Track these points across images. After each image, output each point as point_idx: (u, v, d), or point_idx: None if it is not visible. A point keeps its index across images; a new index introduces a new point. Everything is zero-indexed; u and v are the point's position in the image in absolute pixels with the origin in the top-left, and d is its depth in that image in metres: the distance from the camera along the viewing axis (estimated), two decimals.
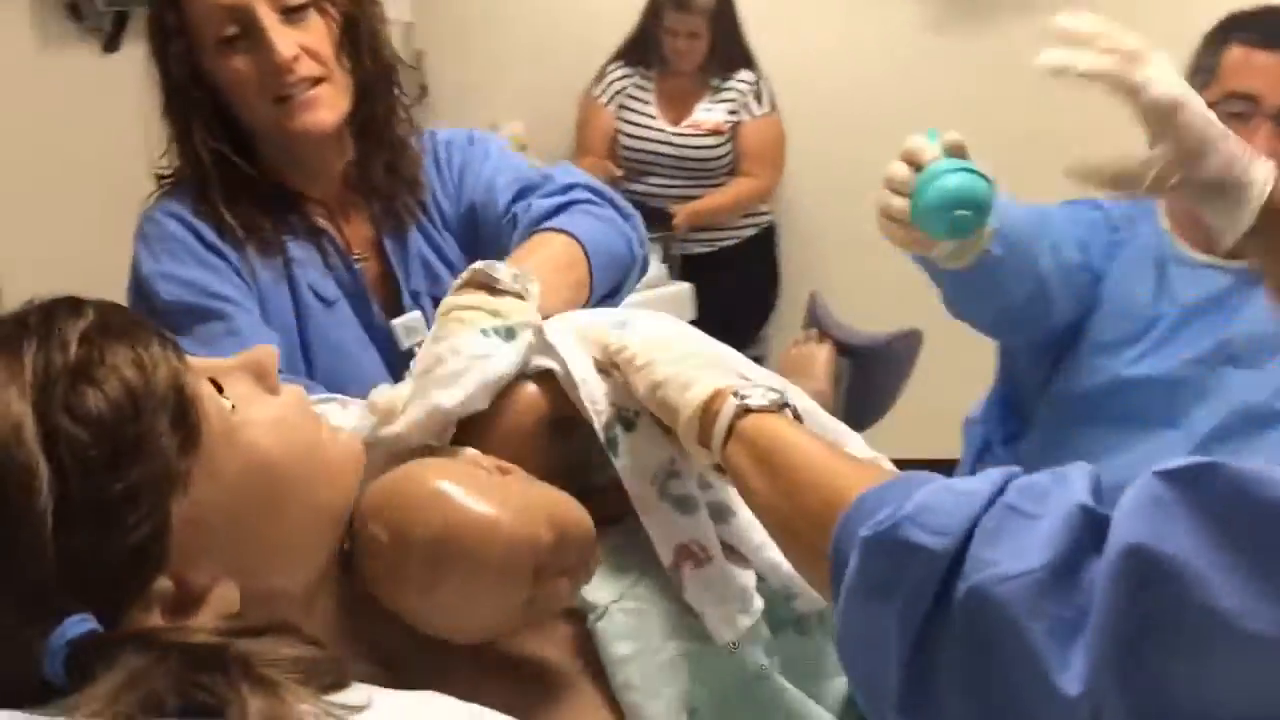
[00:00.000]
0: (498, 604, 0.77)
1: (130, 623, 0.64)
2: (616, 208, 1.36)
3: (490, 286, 1.04)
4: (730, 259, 3.46)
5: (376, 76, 1.30)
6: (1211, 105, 1.53)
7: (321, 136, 1.27)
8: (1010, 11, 3.58)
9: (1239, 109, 1.47)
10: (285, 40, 1.20)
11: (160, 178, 1.32)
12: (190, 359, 0.74)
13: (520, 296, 1.04)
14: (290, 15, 1.22)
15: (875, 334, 2.24)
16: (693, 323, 3.17)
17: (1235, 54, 1.49)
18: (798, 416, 0.83)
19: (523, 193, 1.35)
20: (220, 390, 0.73)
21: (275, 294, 1.27)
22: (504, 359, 0.92)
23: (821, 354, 2.10)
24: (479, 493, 0.77)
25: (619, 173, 3.40)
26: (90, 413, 0.63)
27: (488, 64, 3.82)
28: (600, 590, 0.85)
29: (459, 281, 1.06)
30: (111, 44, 2.82)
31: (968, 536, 0.62)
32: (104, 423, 0.63)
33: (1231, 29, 1.53)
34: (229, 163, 1.26)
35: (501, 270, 1.05)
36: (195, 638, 0.61)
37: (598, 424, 0.89)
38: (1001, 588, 0.58)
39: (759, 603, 0.89)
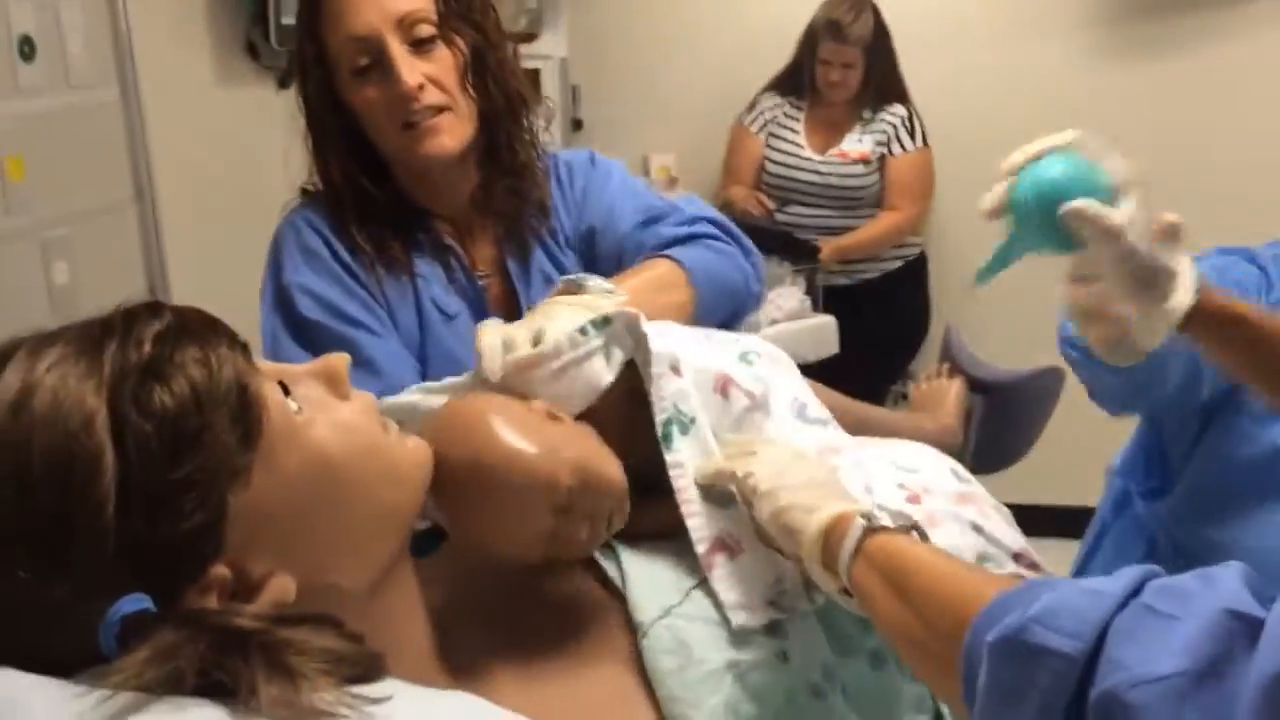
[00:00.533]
0: (517, 528, 0.86)
1: (185, 605, 0.69)
2: (739, 244, 1.40)
3: (578, 294, 1.11)
4: (874, 292, 3.42)
5: (501, 105, 1.36)
6: None
7: (445, 161, 1.33)
8: (1168, 44, 3.45)
9: None
10: (412, 70, 1.28)
11: (305, 192, 1.42)
12: (263, 363, 0.78)
13: None
14: (418, 47, 1.29)
15: (1012, 371, 2.17)
16: (836, 357, 3.15)
17: None
18: (923, 535, 0.84)
19: (649, 221, 1.40)
20: (287, 392, 0.77)
21: (401, 309, 1.34)
22: (602, 371, 0.98)
23: (953, 389, 2.05)
24: (516, 429, 0.86)
25: (771, 205, 3.40)
26: (155, 407, 0.68)
27: (639, 98, 3.91)
28: (649, 608, 0.87)
29: (555, 289, 1.14)
30: (286, 81, 3.00)
31: (1100, 638, 0.60)
32: (167, 416, 0.68)
33: None
34: (361, 185, 1.35)
35: (591, 281, 1.11)
36: (233, 622, 0.65)
37: (658, 417, 0.94)
38: (1138, 692, 0.56)
39: (799, 604, 0.90)
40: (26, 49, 1.96)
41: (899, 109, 3.35)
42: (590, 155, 1.51)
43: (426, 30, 1.29)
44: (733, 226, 1.40)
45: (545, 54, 3.51)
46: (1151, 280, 0.97)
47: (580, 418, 0.96)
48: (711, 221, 1.38)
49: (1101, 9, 3.49)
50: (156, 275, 2.33)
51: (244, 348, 0.76)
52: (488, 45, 1.35)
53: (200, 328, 0.74)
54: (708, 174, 3.75)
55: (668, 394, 0.96)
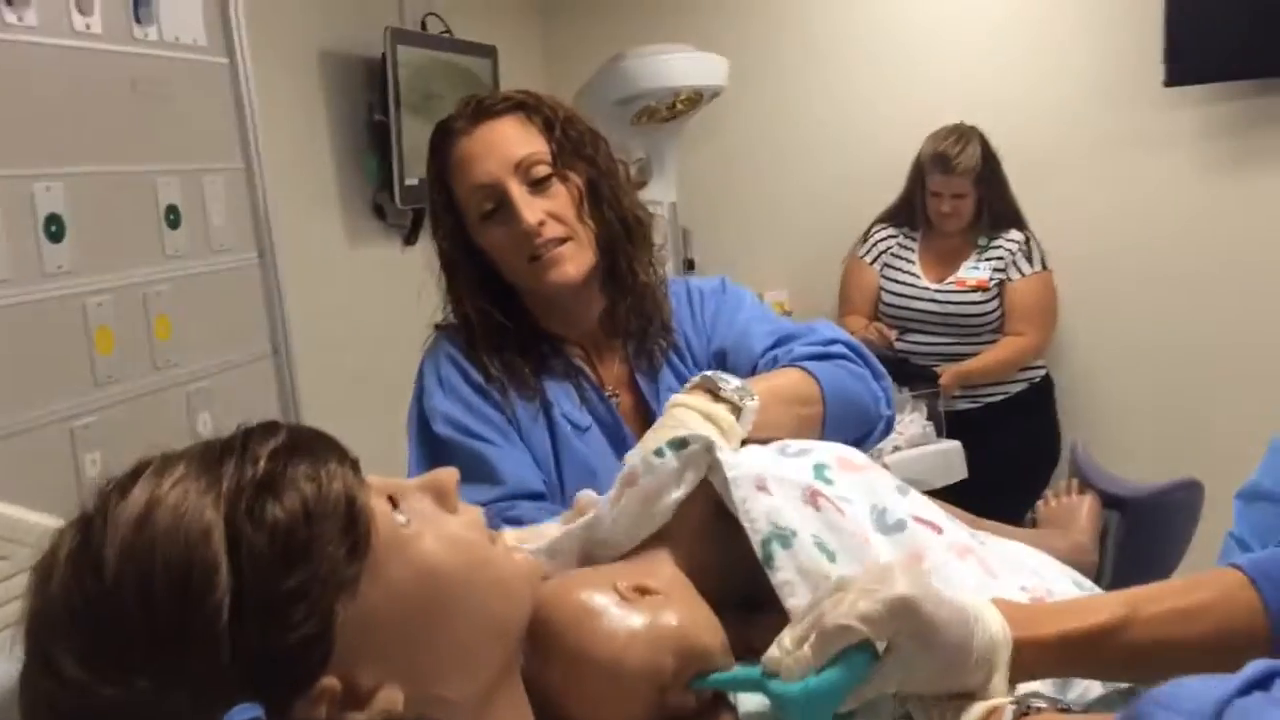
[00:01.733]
0: (623, 713, 0.87)
1: (296, 715, 0.70)
2: (871, 367, 1.43)
3: (714, 392, 1.16)
4: (1000, 415, 3.34)
5: (618, 230, 1.44)
6: None
7: (570, 287, 1.41)
8: (1277, 155, 3.37)
9: None
10: (532, 209, 1.37)
11: (438, 327, 1.50)
12: (373, 478, 0.81)
13: (737, 406, 1.15)
14: (537, 186, 1.39)
15: (1148, 484, 2.08)
16: (965, 483, 3.06)
17: None
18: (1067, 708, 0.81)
19: (783, 340, 1.45)
20: (396, 506, 0.80)
21: (534, 429, 1.40)
22: (672, 495, 0.99)
23: (1084, 506, 1.98)
24: (611, 622, 0.88)
25: (893, 335, 3.39)
26: (269, 520, 0.71)
27: (750, 236, 3.99)
28: None
29: (690, 383, 1.20)
30: (411, 238, 3.17)
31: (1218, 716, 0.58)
32: (279, 528, 0.71)
33: None
34: (493, 316, 1.43)
35: (726, 380, 1.15)
36: None
37: (754, 539, 0.92)
38: None
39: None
40: (172, 218, 2.12)
41: (1015, 234, 3.33)
42: (722, 281, 1.57)
43: (543, 170, 1.39)
44: (865, 350, 1.43)
45: (655, 200, 3.61)
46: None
47: (664, 536, 0.98)
48: (845, 344, 1.42)
49: (1210, 123, 3.46)
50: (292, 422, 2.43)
51: (354, 464, 0.79)
52: (600, 175, 1.43)
53: (312, 444, 0.77)
54: (822, 308, 3.75)
55: (759, 512, 0.94)
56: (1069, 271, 3.44)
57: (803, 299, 3.88)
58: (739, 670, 0.89)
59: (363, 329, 2.81)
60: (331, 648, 0.71)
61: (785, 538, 0.93)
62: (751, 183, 3.98)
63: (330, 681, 0.71)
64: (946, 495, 3.14)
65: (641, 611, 0.89)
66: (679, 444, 1.00)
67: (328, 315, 2.67)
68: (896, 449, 3.03)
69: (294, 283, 2.44)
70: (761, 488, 0.96)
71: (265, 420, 0.80)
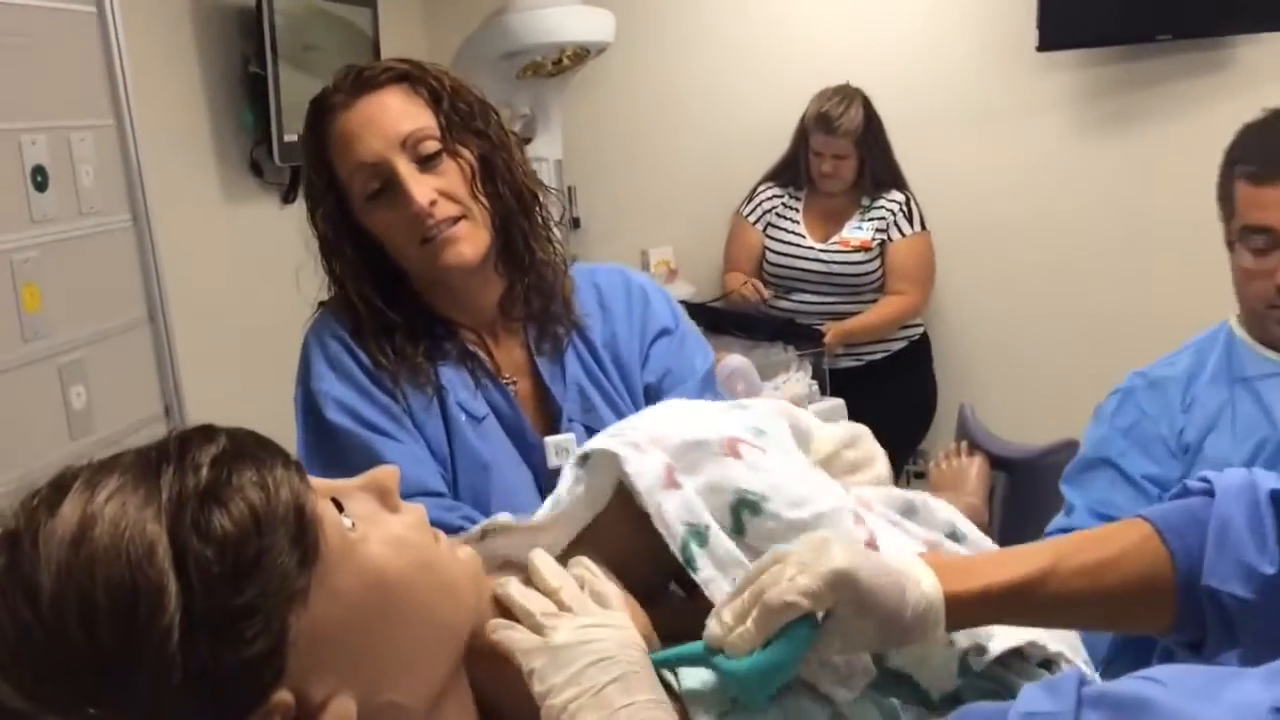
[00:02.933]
0: None
1: None
2: None
3: None
4: (881, 372, 3.43)
5: (513, 206, 1.37)
6: (1234, 236, 1.52)
7: (466, 269, 1.34)
8: (1153, 117, 3.52)
9: (1259, 244, 1.49)
10: (422, 188, 1.29)
11: (324, 303, 1.42)
12: (314, 479, 0.78)
13: None
14: (426, 163, 1.31)
15: (1029, 446, 2.17)
16: None
17: (1243, 190, 1.51)
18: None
19: None
20: (341, 509, 0.77)
21: (428, 420, 1.34)
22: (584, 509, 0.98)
23: (974, 467, 2.05)
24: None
25: (766, 292, 3.43)
26: (216, 532, 0.68)
27: (635, 194, 3.97)
28: (703, 715, 0.85)
29: None
30: (290, 195, 3.05)
31: None
32: (228, 541, 0.68)
33: (1235, 159, 1.53)
34: (380, 307, 1.36)
35: None
36: None
37: (673, 545, 0.92)
38: None
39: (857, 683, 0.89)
40: (40, 179, 2.00)
41: (897, 195, 3.40)
42: (673, 310, 1.51)
43: (432, 146, 1.31)
44: None
45: (540, 156, 3.56)
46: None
47: (589, 537, 0.97)
48: None
49: (1084, 86, 3.57)
50: (171, 394, 2.33)
51: (298, 467, 0.76)
52: (493, 149, 1.36)
53: (255, 449, 0.74)
54: (706, 265, 3.78)
55: (672, 516, 0.93)
56: (947, 232, 3.52)
57: (687, 257, 3.89)
58: (684, 647, 0.88)
59: (242, 291, 2.71)
60: (285, 662, 0.69)
61: (700, 534, 0.93)
62: (638, 139, 3.96)
63: (283, 696, 0.69)
64: None
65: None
66: (582, 460, 0.98)
67: (205, 278, 2.56)
68: None
69: (169, 245, 2.33)
70: (671, 484, 0.95)
71: (200, 424, 0.76)
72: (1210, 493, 0.89)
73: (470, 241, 1.33)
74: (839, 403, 3.17)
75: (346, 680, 0.73)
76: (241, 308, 2.68)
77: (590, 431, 1.38)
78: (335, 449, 1.30)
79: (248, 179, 2.90)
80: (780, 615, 0.81)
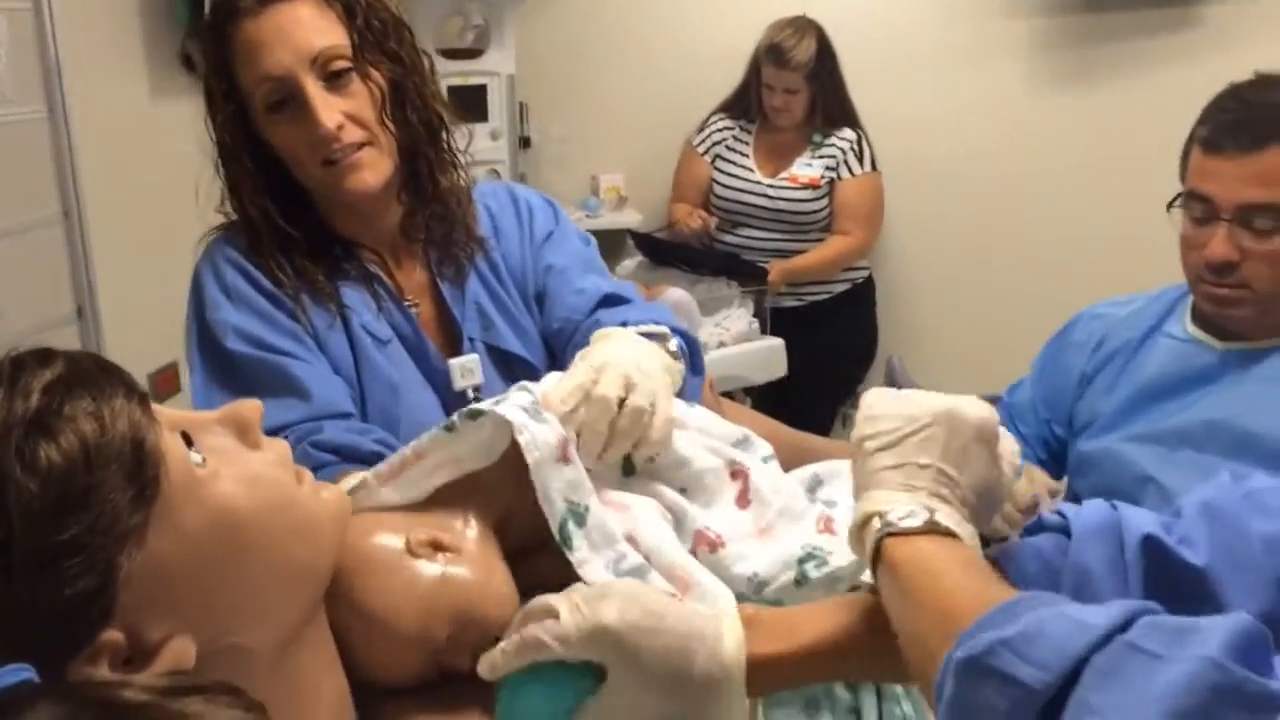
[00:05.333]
0: (396, 670, 0.88)
1: (75, 675, 0.64)
2: (695, 364, 1.35)
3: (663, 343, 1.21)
4: (823, 314, 3.40)
5: (421, 134, 1.33)
6: (1180, 202, 1.50)
7: (368, 196, 1.30)
8: (1113, 72, 3.49)
9: (1197, 212, 1.48)
10: (329, 110, 1.24)
11: (226, 224, 1.36)
12: (166, 411, 0.74)
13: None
14: (333, 82, 1.25)
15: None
16: (784, 379, 3.15)
17: (1195, 155, 1.49)
18: (948, 532, 0.77)
19: (610, 300, 1.39)
20: (191, 443, 0.73)
21: (331, 337, 1.30)
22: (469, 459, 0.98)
23: None
24: (390, 579, 0.87)
25: (711, 221, 3.38)
26: (41, 463, 0.64)
27: (588, 117, 3.88)
28: None
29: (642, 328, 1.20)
30: None
31: (1076, 672, 0.55)
32: (53, 474, 0.64)
33: (1199, 122, 1.51)
34: (278, 222, 1.31)
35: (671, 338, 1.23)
36: (116, 694, 0.60)
37: (552, 523, 0.92)
38: None
39: None
40: None
41: (848, 133, 3.34)
42: (551, 203, 1.50)
43: (342, 65, 1.25)
44: (697, 347, 1.36)
45: (492, 70, 3.47)
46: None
47: (477, 480, 0.96)
48: (683, 336, 1.33)
49: (1047, 36, 3.53)
50: (84, 295, 2.26)
51: (143, 398, 0.71)
52: (405, 73, 1.31)
53: (95, 377, 0.70)
54: (656, 193, 3.73)
55: (555, 491, 0.93)
56: (897, 175, 3.48)
57: (637, 184, 3.84)
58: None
59: (166, 193, 2.60)
60: (113, 602, 0.66)
61: (579, 514, 0.92)
62: (594, 61, 3.86)
63: (112, 636, 0.66)
64: (766, 391, 3.23)
65: (426, 571, 0.88)
66: (473, 415, 0.96)
67: (127, 176, 2.46)
68: (721, 344, 3.06)
69: (89, 140, 2.23)
70: (563, 457, 0.94)
71: (38, 346, 0.72)
72: (1066, 530, 0.83)
73: (374, 169, 1.29)
74: (778, 342, 3.17)
75: (187, 621, 0.70)
76: (164, 211, 2.58)
77: (491, 351, 1.37)
78: (239, 379, 1.25)
79: (178, 73, 2.78)
80: (529, 651, 0.79)
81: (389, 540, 0.89)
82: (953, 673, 0.61)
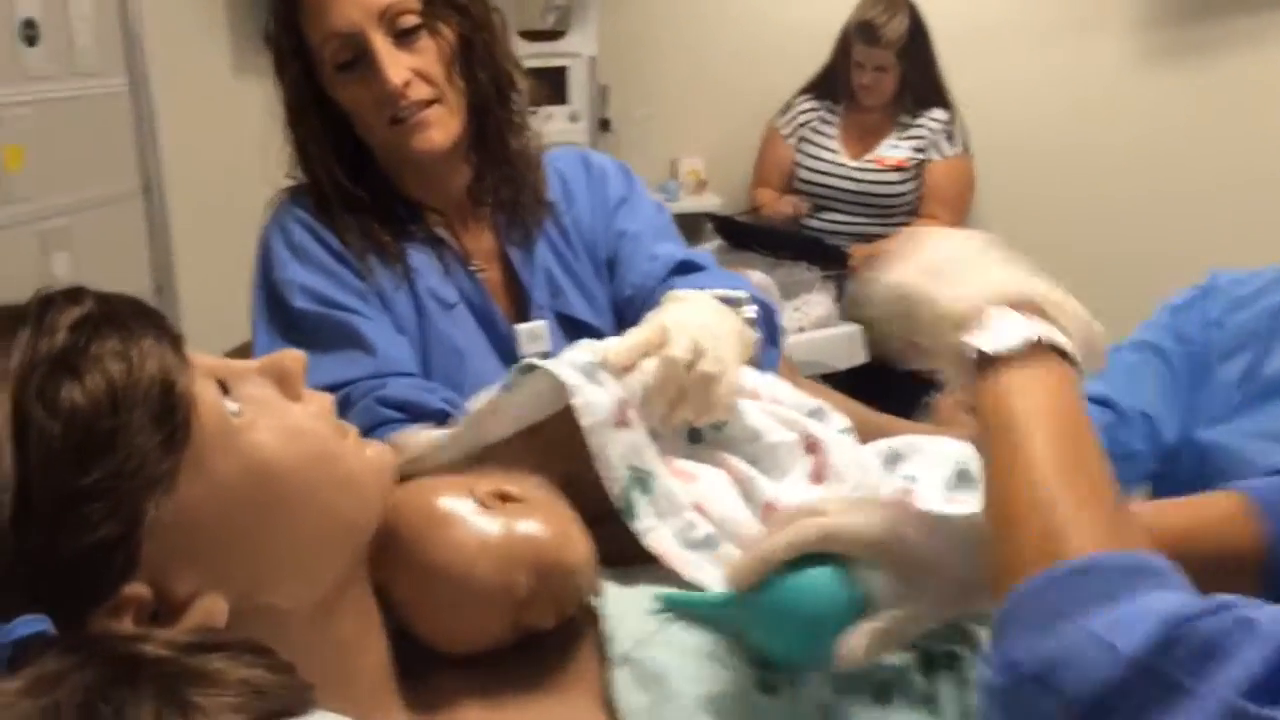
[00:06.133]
0: (478, 633, 0.81)
1: (96, 629, 0.61)
2: (773, 333, 1.32)
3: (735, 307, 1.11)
4: None
5: (490, 93, 1.30)
6: None
7: (435, 156, 1.27)
8: (1217, 47, 3.33)
9: None
10: (396, 66, 1.22)
11: (294, 186, 1.35)
12: (202, 357, 0.71)
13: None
14: (402, 39, 1.23)
15: None
16: (865, 367, 3.07)
17: None
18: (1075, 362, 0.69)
19: (686, 267, 1.34)
20: (227, 391, 0.70)
21: (396, 299, 1.28)
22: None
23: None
24: (463, 534, 0.80)
25: (805, 208, 3.30)
26: (64, 404, 0.61)
27: (670, 99, 3.83)
28: (622, 640, 0.80)
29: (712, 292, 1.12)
30: None
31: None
32: (77, 415, 0.61)
33: None
34: (344, 182, 1.29)
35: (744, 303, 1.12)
36: (131, 648, 0.57)
37: (612, 490, 0.87)
38: None
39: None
40: (30, 33, 1.91)
41: (939, 114, 3.24)
42: (624, 169, 1.46)
43: (411, 21, 1.23)
44: (776, 315, 1.33)
45: (574, 52, 3.43)
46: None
47: (534, 441, 0.91)
48: (764, 305, 1.29)
49: (1150, 11, 3.38)
50: (162, 270, 2.28)
51: (175, 340, 0.68)
52: (474, 28, 1.29)
53: (126, 317, 0.66)
54: (737, 177, 3.66)
55: (616, 456, 0.87)
56: (990, 157, 3.37)
57: (718, 168, 3.78)
58: (706, 593, 0.82)
59: (246, 169, 2.62)
60: (137, 552, 0.62)
61: (644, 480, 0.88)
62: (676, 42, 3.80)
63: (137, 589, 0.63)
64: (846, 378, 3.15)
65: (498, 521, 0.81)
66: (526, 369, 0.91)
67: (207, 152, 2.47)
68: (801, 330, 2.99)
69: (170, 115, 2.24)
70: (621, 421, 0.89)
71: (70, 285, 0.69)
72: None
73: (442, 127, 1.26)
74: (858, 328, 3.07)
75: (218, 576, 0.66)
76: (244, 190, 2.60)
77: (560, 318, 1.34)
78: (304, 336, 1.23)
79: (262, 50, 2.79)
80: (806, 541, 0.72)
81: (454, 495, 0.84)
82: (998, 681, 0.58)
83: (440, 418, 1.15)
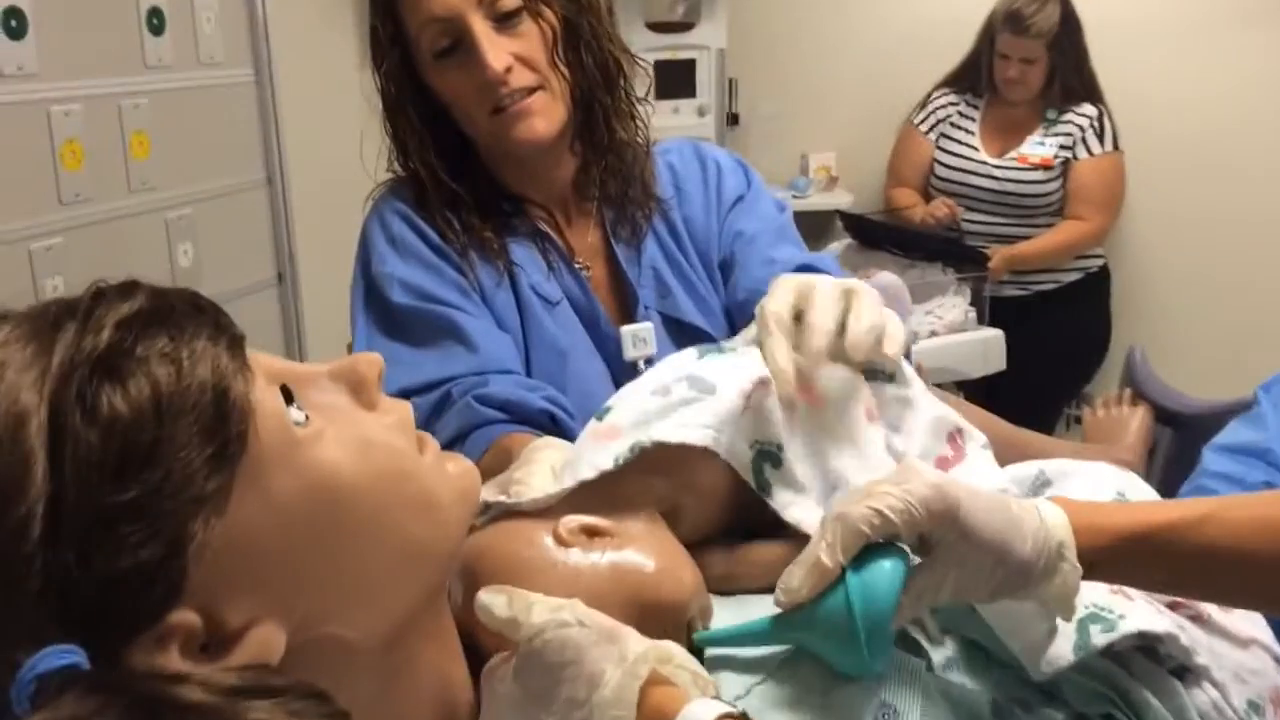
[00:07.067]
0: None
1: (138, 661, 0.55)
2: None
3: None
4: (1050, 305, 3.13)
5: (596, 79, 1.24)
6: None
7: (538, 146, 1.21)
8: None
9: None
10: (497, 52, 1.16)
11: (394, 180, 1.30)
12: (266, 359, 0.64)
13: None
14: (503, 23, 1.17)
15: (1207, 401, 1.91)
16: (1004, 374, 2.91)
17: None
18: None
19: (809, 270, 1.25)
20: (291, 399, 0.63)
21: (498, 296, 1.23)
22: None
23: (1136, 418, 1.81)
24: (540, 583, 0.73)
25: (960, 212, 3.14)
26: (104, 410, 0.55)
27: (800, 93, 3.72)
28: (725, 686, 0.71)
29: None
30: None
31: None
32: (116, 423, 0.55)
33: None
34: (444, 177, 1.24)
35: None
36: (170, 689, 0.51)
37: (746, 475, 0.81)
38: None
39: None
40: (155, 22, 1.92)
41: (1088, 109, 3.06)
42: (742, 164, 1.38)
43: (512, 4, 1.17)
44: (901, 313, 1.26)
45: (702, 44, 3.36)
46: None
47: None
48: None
49: None
50: (285, 261, 2.28)
51: (235, 341, 0.61)
52: (579, 11, 1.22)
53: (179, 315, 0.60)
54: (869, 174, 3.54)
55: (740, 441, 0.82)
56: (1142, 155, 3.18)
57: (850, 164, 3.65)
58: (742, 624, 0.75)
59: (368, 161, 2.62)
60: (183, 577, 0.56)
61: (773, 454, 0.83)
62: (808, 35, 3.69)
63: (184, 617, 0.56)
64: (982, 386, 2.99)
65: (585, 561, 0.75)
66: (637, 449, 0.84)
67: (332, 144, 2.46)
68: (934, 334, 2.85)
69: (294, 105, 2.24)
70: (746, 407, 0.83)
71: (126, 279, 0.63)
72: None
73: (545, 116, 1.20)
74: (997, 334, 2.94)
75: (275, 605, 0.59)
76: (367, 182, 2.60)
77: (667, 320, 1.27)
78: (403, 332, 1.19)
79: None
80: (859, 535, 0.68)
81: (532, 536, 0.77)
82: None
83: (542, 418, 1.10)
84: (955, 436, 0.92)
